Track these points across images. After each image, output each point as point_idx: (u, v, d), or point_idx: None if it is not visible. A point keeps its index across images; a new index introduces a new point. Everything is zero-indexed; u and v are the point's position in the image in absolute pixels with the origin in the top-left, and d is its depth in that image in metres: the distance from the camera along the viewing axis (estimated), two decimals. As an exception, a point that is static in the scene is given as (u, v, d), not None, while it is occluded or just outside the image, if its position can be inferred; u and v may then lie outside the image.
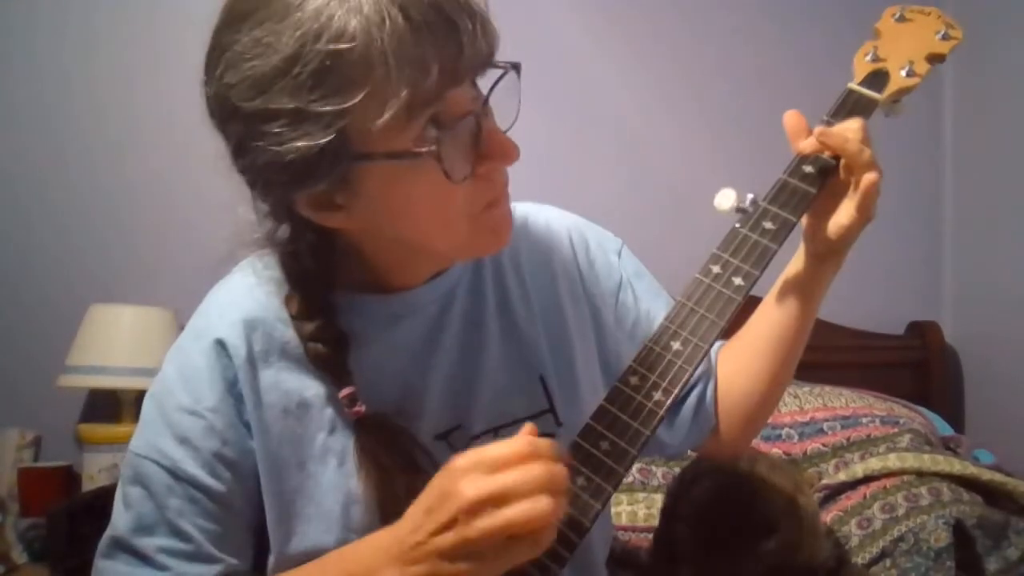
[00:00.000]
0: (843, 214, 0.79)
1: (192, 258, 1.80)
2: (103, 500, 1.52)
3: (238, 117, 0.66)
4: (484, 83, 0.70)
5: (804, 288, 0.87)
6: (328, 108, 0.63)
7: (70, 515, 1.49)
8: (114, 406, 1.77)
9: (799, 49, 2.17)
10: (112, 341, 1.71)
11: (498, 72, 0.70)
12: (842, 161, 0.80)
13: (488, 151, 0.71)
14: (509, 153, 0.72)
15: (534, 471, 0.61)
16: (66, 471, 1.76)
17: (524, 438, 0.64)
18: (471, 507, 0.60)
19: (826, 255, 0.84)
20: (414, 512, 0.65)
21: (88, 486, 1.68)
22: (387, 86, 0.63)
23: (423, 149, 0.67)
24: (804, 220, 0.83)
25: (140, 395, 1.70)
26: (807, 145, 0.81)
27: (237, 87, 0.65)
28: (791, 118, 0.83)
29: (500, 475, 0.61)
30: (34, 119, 1.90)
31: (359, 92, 0.63)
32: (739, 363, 0.95)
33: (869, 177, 0.77)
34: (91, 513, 1.50)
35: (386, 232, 0.74)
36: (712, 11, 2.17)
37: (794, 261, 0.89)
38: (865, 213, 0.78)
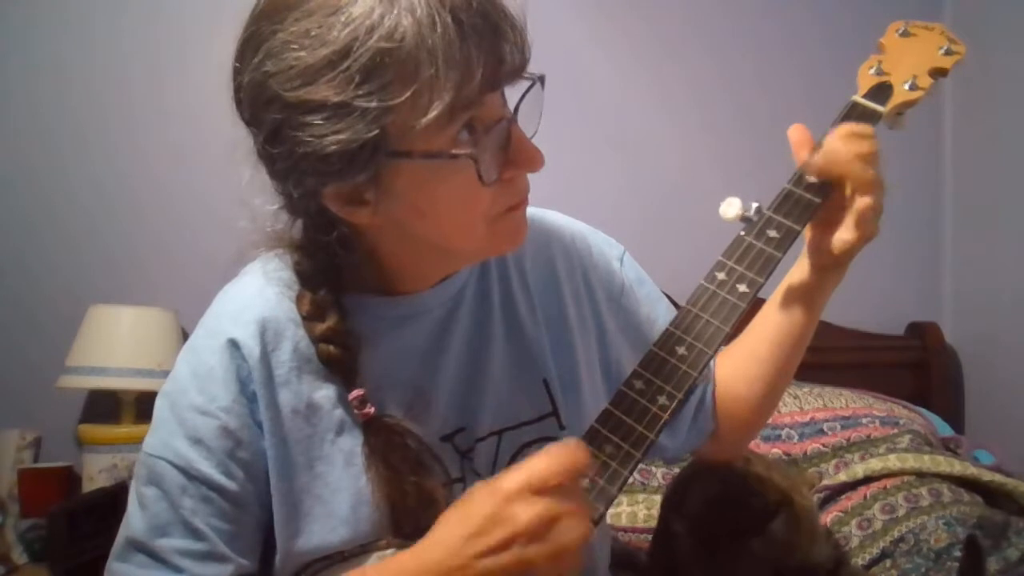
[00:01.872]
0: (846, 229, 0.79)
1: (192, 258, 1.81)
2: (103, 500, 1.54)
3: (277, 105, 0.67)
4: (510, 92, 0.73)
5: (806, 297, 0.88)
6: (374, 104, 0.64)
7: (70, 515, 1.49)
8: (114, 407, 1.77)
9: (799, 51, 2.17)
10: (112, 342, 1.71)
11: (527, 82, 0.71)
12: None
13: (515, 157, 0.73)
14: (536, 160, 0.73)
15: (576, 492, 0.65)
16: (66, 472, 1.76)
17: (562, 452, 0.66)
18: (528, 530, 0.62)
19: (829, 267, 0.85)
20: (450, 534, 0.65)
21: (88, 486, 1.68)
22: (434, 86, 0.65)
23: (463, 151, 0.68)
24: (808, 231, 0.84)
25: (140, 396, 1.74)
26: (813, 168, 0.80)
27: (278, 75, 0.66)
28: (795, 132, 0.84)
29: (551, 498, 0.63)
30: (33, 119, 1.90)
31: (406, 90, 0.64)
32: (739, 368, 0.96)
33: (863, 200, 0.77)
34: (91, 514, 1.51)
35: (407, 231, 0.75)
36: (713, 13, 2.17)
37: (797, 270, 0.89)
38: (864, 230, 0.78)
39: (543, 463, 0.64)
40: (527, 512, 0.62)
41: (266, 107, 0.68)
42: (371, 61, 0.64)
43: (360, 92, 0.64)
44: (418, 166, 0.69)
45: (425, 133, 0.66)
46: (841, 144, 0.79)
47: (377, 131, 0.65)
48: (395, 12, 0.64)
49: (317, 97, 0.65)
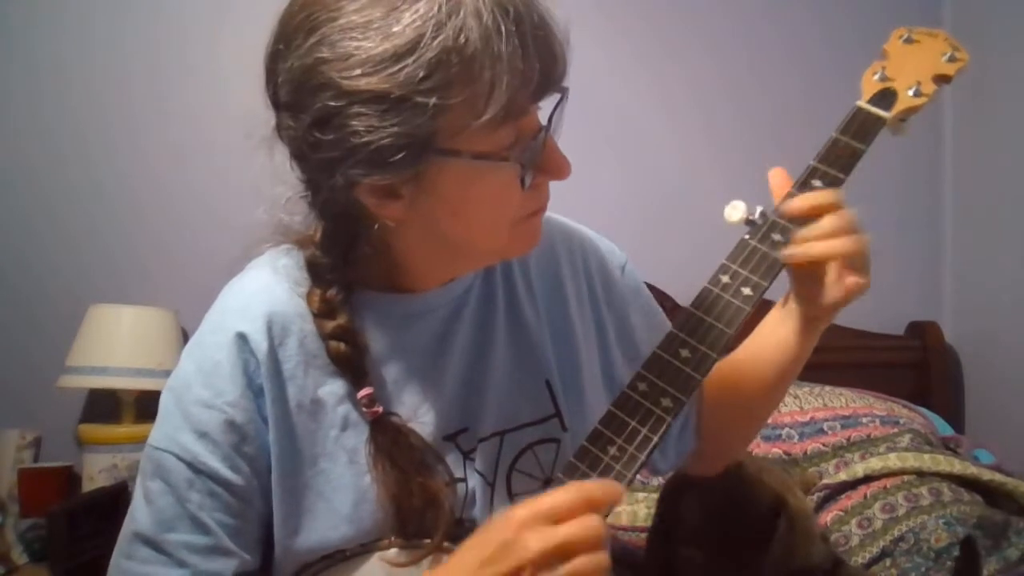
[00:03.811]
0: (837, 289, 0.80)
1: (192, 258, 1.82)
2: (103, 500, 1.54)
3: (330, 93, 0.67)
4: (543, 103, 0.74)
5: (798, 337, 0.88)
6: (433, 100, 0.65)
7: (70, 515, 1.49)
8: (114, 406, 1.77)
9: (799, 52, 2.17)
10: (112, 341, 1.71)
11: (558, 95, 0.73)
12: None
13: (547, 165, 0.74)
14: (565, 169, 0.75)
15: (593, 524, 0.64)
16: (66, 471, 1.76)
17: (577, 486, 0.66)
18: (538, 560, 0.62)
19: (822, 317, 0.85)
20: (465, 560, 0.66)
21: (88, 486, 1.68)
22: (492, 90, 0.66)
23: (512, 155, 0.70)
24: (795, 292, 0.85)
25: (140, 395, 1.74)
26: (795, 261, 0.79)
27: (335, 63, 0.66)
28: (775, 176, 0.84)
29: (563, 527, 0.63)
30: (33, 119, 1.90)
31: (465, 91, 0.65)
32: (725, 393, 0.96)
33: (853, 275, 0.78)
34: (91, 514, 1.51)
35: (432, 228, 0.76)
36: (713, 13, 2.17)
37: (786, 311, 0.89)
38: (852, 293, 0.79)
39: (561, 493, 0.65)
40: (538, 541, 0.62)
41: (315, 93, 0.67)
42: (436, 58, 0.64)
43: (421, 88, 0.64)
44: (463, 165, 0.69)
45: (475, 134, 0.67)
46: (813, 231, 0.78)
47: (431, 128, 0.66)
48: (461, 14, 0.64)
49: (377, 88, 0.65)
